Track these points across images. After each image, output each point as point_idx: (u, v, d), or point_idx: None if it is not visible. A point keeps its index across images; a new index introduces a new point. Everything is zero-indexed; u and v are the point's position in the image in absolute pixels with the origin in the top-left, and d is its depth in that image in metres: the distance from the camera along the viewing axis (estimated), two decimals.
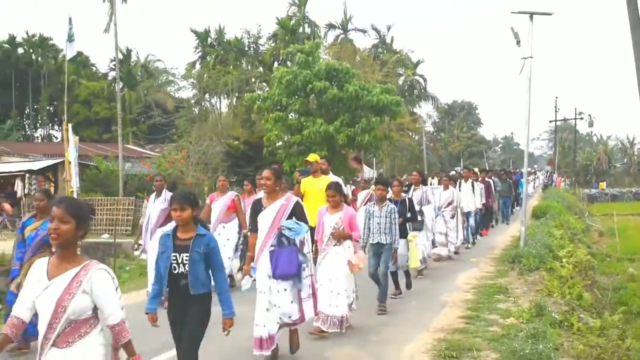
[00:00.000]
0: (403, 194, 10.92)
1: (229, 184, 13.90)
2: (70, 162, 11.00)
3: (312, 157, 10.46)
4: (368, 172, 31.37)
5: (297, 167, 25.01)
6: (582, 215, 32.22)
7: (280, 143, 26.84)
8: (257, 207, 6.76)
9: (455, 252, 15.16)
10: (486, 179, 20.31)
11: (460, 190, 16.13)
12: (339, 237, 7.71)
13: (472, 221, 17.21)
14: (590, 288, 12.37)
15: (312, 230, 7.57)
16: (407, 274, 10.66)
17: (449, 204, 14.37)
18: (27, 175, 26.43)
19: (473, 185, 17.40)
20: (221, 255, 5.35)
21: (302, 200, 8.66)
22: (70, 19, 12.47)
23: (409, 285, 10.60)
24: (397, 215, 9.03)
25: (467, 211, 16.65)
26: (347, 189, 16.83)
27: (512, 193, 24.35)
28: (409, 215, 10.28)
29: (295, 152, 25.80)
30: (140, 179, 27.00)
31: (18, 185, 26.48)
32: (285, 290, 6.53)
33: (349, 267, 7.69)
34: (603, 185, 62.74)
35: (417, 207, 11.32)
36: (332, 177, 10.28)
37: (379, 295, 9.03)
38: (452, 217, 14.44)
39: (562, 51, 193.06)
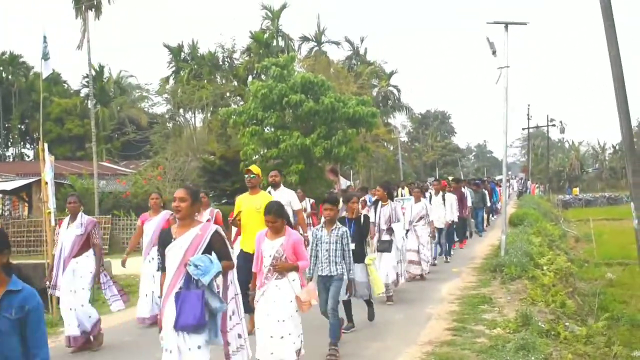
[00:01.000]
0: (363, 211, 10.22)
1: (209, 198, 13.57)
2: (47, 183, 10.70)
3: (254, 168, 8.88)
4: (344, 184, 31.30)
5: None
6: (558, 222, 32.49)
7: (257, 157, 26.71)
8: (165, 238, 5.31)
9: (433, 265, 14.73)
10: (460, 189, 19.11)
11: (430, 204, 14.93)
12: (282, 269, 6.22)
13: (442, 238, 15.98)
14: (572, 295, 12.43)
15: (250, 258, 6.84)
16: (369, 303, 9.17)
17: (421, 217, 13.29)
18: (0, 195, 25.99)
19: (444, 198, 16.19)
20: (44, 325, 3.53)
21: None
22: (45, 37, 12.17)
23: (371, 316, 9.14)
24: (349, 240, 7.60)
25: (438, 227, 15.28)
26: (306, 203, 16.44)
27: (485, 204, 23.21)
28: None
29: (272, 166, 25.68)
30: (115, 197, 26.69)
31: None
32: (199, 347, 4.99)
33: (298, 305, 6.24)
34: (576, 190, 63.43)
35: (384, 226, 10.63)
36: (283, 192, 9.20)
37: (330, 335, 7.37)
38: (429, 234, 13.46)
39: (535, 59, 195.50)
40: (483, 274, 13.67)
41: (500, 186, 32.51)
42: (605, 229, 28.96)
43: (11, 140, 65.67)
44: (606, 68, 13.81)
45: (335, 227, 7.49)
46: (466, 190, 19.81)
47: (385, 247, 10.49)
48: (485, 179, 34.08)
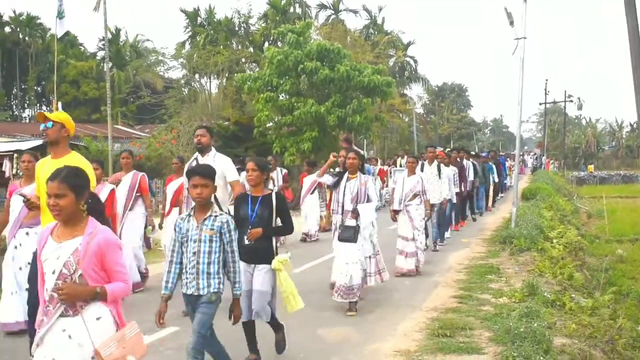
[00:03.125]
0: (271, 187, 8.28)
1: None
2: None
3: (55, 115, 5.69)
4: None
5: (287, 148, 24.98)
6: (571, 198, 32.33)
7: (271, 124, 26.77)
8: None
9: (435, 250, 12.88)
10: (460, 159, 16.61)
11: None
12: (69, 297, 3.53)
13: (433, 217, 12.72)
14: (580, 269, 12.41)
15: None
16: (275, 327, 6.18)
17: (415, 195, 10.54)
18: (15, 155, 26.21)
19: (439, 170, 13.39)
20: None
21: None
22: None
23: (279, 348, 6.24)
24: (233, 236, 4.98)
25: (432, 203, 12.11)
26: (277, 174, 14.30)
27: (487, 180, 20.67)
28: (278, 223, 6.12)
29: (286, 133, 25.74)
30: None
31: (6, 166, 26.24)
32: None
33: None
34: (592, 168, 62.92)
35: (349, 206, 8.06)
36: (214, 159, 7.08)
37: None
38: (423, 218, 10.79)
39: (554, 33, 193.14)
40: (492, 245, 13.76)
41: (510, 160, 32.20)
42: (619, 206, 28.72)
43: (27, 101, 65.96)
44: (627, 44, 13.47)
45: (211, 215, 4.92)
46: (468, 163, 17.66)
47: (348, 235, 7.92)
48: (491, 151, 31.76)
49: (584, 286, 10.81)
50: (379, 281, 8.73)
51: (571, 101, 57.47)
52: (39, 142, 27.07)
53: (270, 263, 5.88)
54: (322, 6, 50.84)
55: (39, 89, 63.12)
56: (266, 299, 5.85)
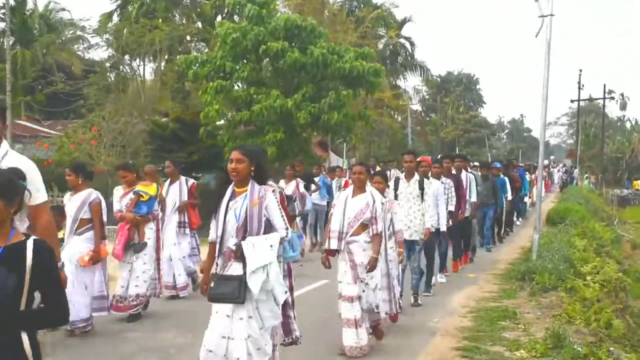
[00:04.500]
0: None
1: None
2: None
3: None
4: (336, 162, 31.33)
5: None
6: (611, 222, 32.69)
7: (223, 121, 26.65)
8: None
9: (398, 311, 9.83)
10: (455, 170, 15.36)
11: (396, 197, 11.14)
12: None
13: (414, 255, 11.51)
14: (621, 314, 12.49)
15: None
16: None
17: (363, 226, 8.56)
18: None
19: (422, 187, 11.52)
20: None
21: None
22: None
23: None
24: None
25: (411, 239, 11.25)
26: (181, 185, 12.90)
27: (497, 198, 19.09)
28: None
29: (242, 134, 25.63)
30: (36, 165, 26.59)
31: None
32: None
33: None
34: (638, 184, 63.67)
35: (232, 240, 6.39)
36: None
37: None
38: (367, 265, 8.39)
39: (589, 11, 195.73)
40: (507, 282, 13.84)
41: (531, 172, 32.20)
42: None
43: None
44: None
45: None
46: (469, 176, 16.31)
47: (227, 291, 6.18)
48: (514, 160, 30.72)
49: (625, 337, 10.88)
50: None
51: (612, 98, 58.39)
52: None
53: None
54: None
55: None
56: None
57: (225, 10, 40.17)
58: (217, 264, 6.41)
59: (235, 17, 33.38)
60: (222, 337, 6.16)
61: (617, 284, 14.19)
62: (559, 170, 59.61)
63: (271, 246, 6.20)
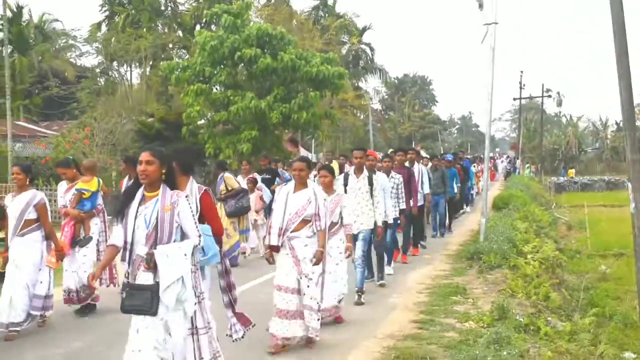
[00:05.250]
0: None
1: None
2: None
3: None
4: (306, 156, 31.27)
5: (222, 150, 24.87)
6: (549, 207, 33.01)
7: (203, 121, 26.62)
8: None
9: (360, 303, 9.99)
10: (408, 164, 14.57)
11: (345, 191, 10.18)
12: None
13: (360, 248, 10.27)
14: (558, 288, 12.68)
15: None
16: None
17: (304, 222, 7.70)
18: None
19: (371, 181, 10.50)
20: None
21: None
22: None
23: None
24: None
25: (358, 232, 10.21)
26: None
27: (445, 188, 18.24)
28: None
29: (221, 132, 25.63)
30: (34, 162, 26.32)
31: None
32: None
33: None
34: (572, 172, 64.29)
35: (144, 248, 5.48)
36: None
37: None
38: (313, 258, 7.59)
39: (529, 18, 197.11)
40: (458, 262, 13.95)
41: (478, 163, 32.28)
42: (602, 217, 29.45)
43: None
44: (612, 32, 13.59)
45: None
46: (420, 168, 15.76)
47: (139, 302, 5.36)
48: (460, 153, 30.24)
49: (561, 308, 11.04)
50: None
51: (549, 96, 58.70)
52: None
53: None
54: None
55: None
56: None
57: (204, 20, 39.91)
58: (127, 272, 5.52)
59: (213, 27, 33.19)
60: (131, 350, 5.39)
61: (554, 261, 14.38)
62: (502, 161, 60.07)
63: (185, 255, 5.44)
